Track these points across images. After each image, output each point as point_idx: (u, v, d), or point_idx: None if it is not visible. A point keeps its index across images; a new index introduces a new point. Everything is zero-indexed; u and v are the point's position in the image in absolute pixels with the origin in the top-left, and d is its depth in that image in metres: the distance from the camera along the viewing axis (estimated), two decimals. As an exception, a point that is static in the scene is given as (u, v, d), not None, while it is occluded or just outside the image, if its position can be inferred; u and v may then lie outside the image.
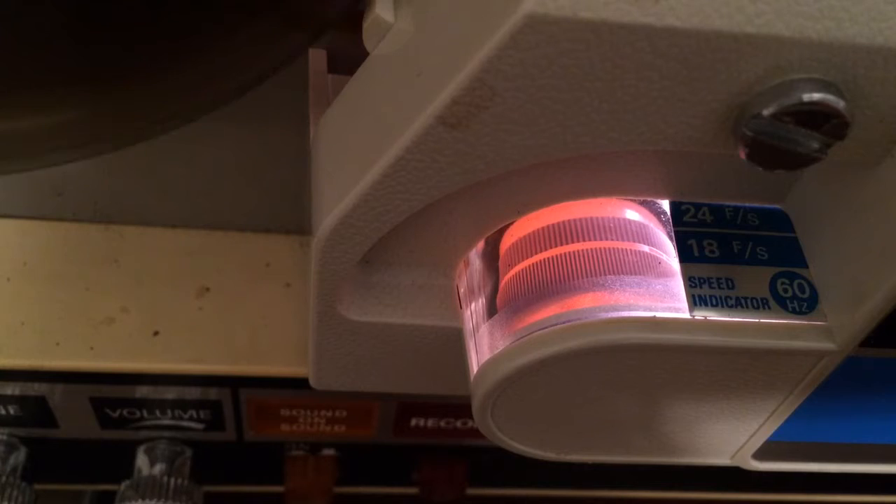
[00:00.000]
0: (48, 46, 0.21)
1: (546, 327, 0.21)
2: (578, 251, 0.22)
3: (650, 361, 0.22)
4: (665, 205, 0.23)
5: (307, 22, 0.23)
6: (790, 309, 0.21)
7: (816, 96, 0.17)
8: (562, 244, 0.22)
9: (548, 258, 0.22)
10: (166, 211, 0.34)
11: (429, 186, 0.19)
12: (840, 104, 0.17)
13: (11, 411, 0.33)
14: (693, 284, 0.21)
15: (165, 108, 0.23)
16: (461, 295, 0.25)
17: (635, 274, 0.22)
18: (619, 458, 0.26)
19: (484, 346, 0.23)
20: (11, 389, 0.31)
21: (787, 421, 0.24)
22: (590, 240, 0.22)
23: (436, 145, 0.18)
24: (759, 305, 0.21)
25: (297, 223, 0.34)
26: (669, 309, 0.21)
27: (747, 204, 0.23)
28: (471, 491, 0.39)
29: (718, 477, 0.41)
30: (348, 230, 0.21)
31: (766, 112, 0.17)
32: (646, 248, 0.22)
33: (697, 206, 0.23)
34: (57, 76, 0.22)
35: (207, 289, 0.33)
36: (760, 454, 0.26)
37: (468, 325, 0.24)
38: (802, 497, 0.43)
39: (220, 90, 0.23)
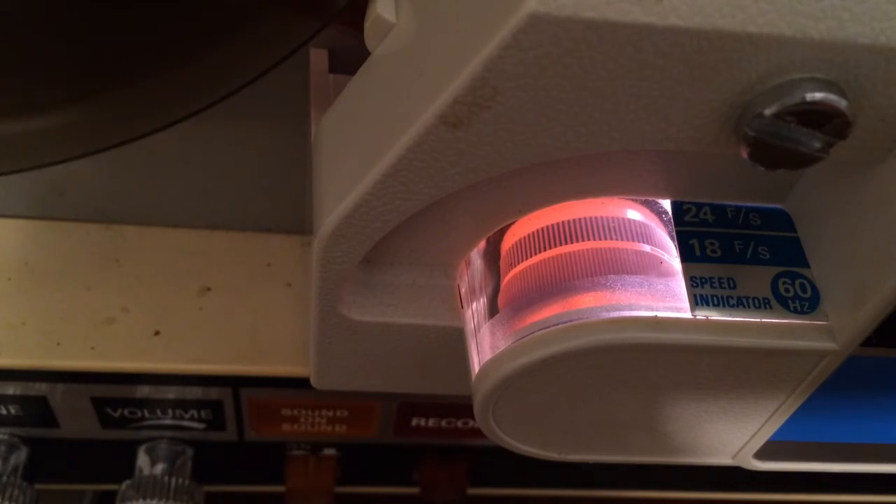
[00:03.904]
0: (53, 34, 0.21)
1: (548, 327, 0.21)
2: (580, 251, 0.22)
3: (651, 361, 0.22)
4: (666, 204, 0.23)
5: (310, 14, 0.23)
6: (792, 309, 0.21)
7: (818, 96, 0.17)
8: (563, 244, 0.22)
9: (549, 258, 0.22)
10: (167, 211, 0.34)
11: (430, 186, 0.19)
12: (842, 103, 0.17)
13: (12, 411, 0.33)
14: (694, 284, 0.21)
15: (168, 104, 0.23)
16: (462, 295, 0.24)
17: (637, 273, 0.22)
18: (619, 458, 0.26)
19: (485, 345, 0.23)
20: (13, 389, 0.31)
21: (788, 421, 0.24)
22: (591, 239, 0.22)
23: (437, 145, 0.18)
24: (760, 305, 0.21)
25: (297, 223, 0.34)
26: (671, 309, 0.21)
27: (749, 204, 0.23)
28: (471, 491, 0.39)
29: (719, 477, 0.41)
30: (350, 230, 0.21)
31: (768, 111, 0.17)
32: (647, 248, 0.22)
33: (699, 206, 0.23)
34: (61, 73, 0.22)
35: (208, 288, 0.33)
36: (762, 454, 0.26)
37: (469, 325, 0.24)
38: (803, 497, 0.43)
39: (219, 88, 0.23)
